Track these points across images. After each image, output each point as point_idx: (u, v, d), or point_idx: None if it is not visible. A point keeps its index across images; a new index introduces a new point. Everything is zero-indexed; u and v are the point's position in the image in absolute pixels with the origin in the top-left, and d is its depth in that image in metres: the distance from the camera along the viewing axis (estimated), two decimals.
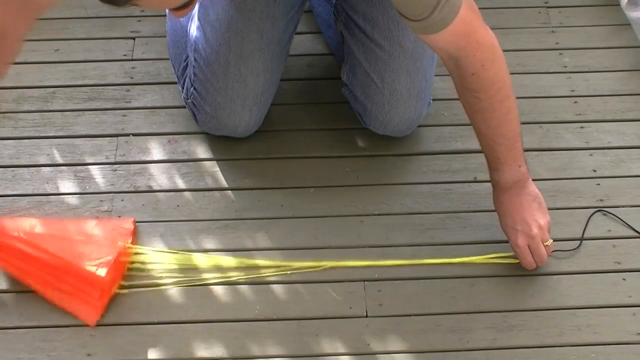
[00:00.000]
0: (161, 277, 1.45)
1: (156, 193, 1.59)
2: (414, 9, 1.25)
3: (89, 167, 1.62)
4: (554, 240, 1.45)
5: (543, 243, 1.43)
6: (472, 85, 1.35)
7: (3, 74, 1.36)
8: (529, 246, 1.43)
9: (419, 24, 1.26)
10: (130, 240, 1.47)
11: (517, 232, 1.42)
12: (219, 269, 1.46)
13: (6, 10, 1.26)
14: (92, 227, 1.47)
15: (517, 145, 1.41)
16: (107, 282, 1.39)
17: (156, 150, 1.66)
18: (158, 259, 1.47)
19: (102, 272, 1.38)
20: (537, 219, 1.42)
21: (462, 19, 1.26)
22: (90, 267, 1.38)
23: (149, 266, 1.46)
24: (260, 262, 1.47)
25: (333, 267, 1.47)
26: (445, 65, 1.37)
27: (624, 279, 1.48)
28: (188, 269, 1.47)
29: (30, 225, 1.44)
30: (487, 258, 1.48)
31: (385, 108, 1.57)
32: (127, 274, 1.45)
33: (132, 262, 1.46)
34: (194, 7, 1.14)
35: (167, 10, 1.66)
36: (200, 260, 1.47)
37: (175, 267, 1.47)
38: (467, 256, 1.49)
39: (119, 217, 1.52)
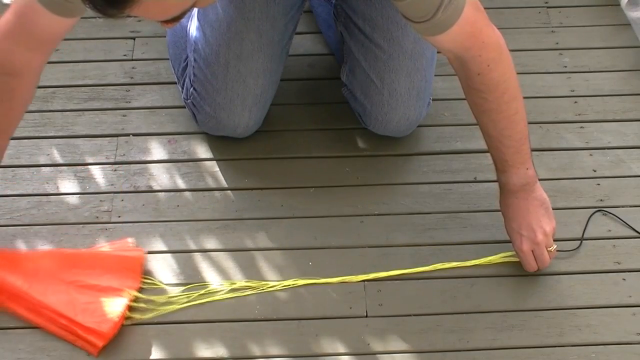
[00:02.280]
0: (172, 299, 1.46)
1: (156, 193, 1.59)
2: (417, 11, 1.24)
3: (89, 167, 1.62)
4: (554, 241, 1.45)
5: (547, 248, 1.43)
6: (478, 86, 1.34)
7: (21, 116, 1.38)
8: (532, 251, 1.43)
9: (423, 25, 1.26)
10: (138, 282, 1.43)
11: (522, 238, 1.42)
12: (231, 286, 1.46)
13: (16, 47, 1.26)
14: (100, 269, 1.43)
15: (525, 147, 1.40)
16: (110, 334, 1.37)
17: (156, 150, 1.66)
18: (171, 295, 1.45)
19: (105, 327, 1.36)
20: (543, 225, 1.42)
21: (466, 19, 1.25)
22: (93, 325, 1.36)
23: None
24: (272, 283, 1.46)
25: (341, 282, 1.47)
26: (452, 66, 1.37)
27: (624, 279, 1.48)
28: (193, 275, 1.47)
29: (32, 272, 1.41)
30: (491, 260, 1.48)
31: (384, 108, 1.57)
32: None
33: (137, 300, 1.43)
34: (190, 15, 1.13)
35: None
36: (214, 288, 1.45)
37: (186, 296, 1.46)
38: (467, 256, 1.49)
39: (129, 250, 1.47)
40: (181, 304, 1.42)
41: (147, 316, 1.40)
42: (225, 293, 1.44)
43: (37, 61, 1.31)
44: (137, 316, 1.40)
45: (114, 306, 1.38)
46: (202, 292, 1.44)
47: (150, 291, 1.43)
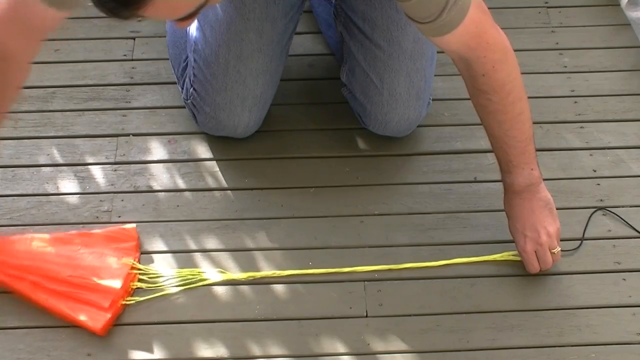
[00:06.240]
0: (164, 282, 1.46)
1: (156, 193, 1.59)
2: (422, 11, 1.24)
3: (89, 167, 1.62)
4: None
5: (550, 250, 1.43)
6: (483, 87, 1.34)
7: (14, 99, 1.36)
8: (536, 252, 1.43)
9: (428, 26, 1.26)
10: (136, 256, 1.47)
11: (526, 238, 1.42)
12: (226, 278, 1.46)
13: (9, 32, 1.26)
14: (98, 242, 1.47)
15: (530, 148, 1.40)
16: (119, 293, 1.40)
17: (156, 150, 1.66)
18: (164, 272, 1.47)
19: (117, 283, 1.40)
20: (546, 226, 1.42)
21: (471, 20, 1.25)
22: (103, 280, 1.40)
23: (153, 277, 1.47)
24: (268, 273, 1.47)
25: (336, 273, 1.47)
26: (457, 67, 1.36)
27: (624, 279, 1.48)
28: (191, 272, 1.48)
29: (37, 245, 1.45)
30: (495, 258, 1.48)
31: (384, 108, 1.57)
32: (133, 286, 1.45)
33: (139, 279, 1.46)
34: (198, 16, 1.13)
35: None
36: (210, 275, 1.46)
37: (180, 277, 1.47)
38: (468, 256, 1.49)
39: (121, 226, 1.51)
40: (177, 281, 1.45)
41: (147, 290, 1.43)
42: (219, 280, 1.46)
43: (29, 48, 1.30)
44: (137, 298, 1.42)
45: (114, 282, 1.41)
46: (196, 275, 1.46)
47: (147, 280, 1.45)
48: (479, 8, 1.26)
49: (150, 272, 1.46)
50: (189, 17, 1.08)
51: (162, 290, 1.44)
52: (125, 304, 1.41)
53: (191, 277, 1.46)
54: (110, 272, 1.42)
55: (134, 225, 1.51)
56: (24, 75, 1.34)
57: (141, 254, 1.49)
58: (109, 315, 1.38)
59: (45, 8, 1.22)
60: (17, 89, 1.36)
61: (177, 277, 1.46)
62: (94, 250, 1.45)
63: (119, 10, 0.98)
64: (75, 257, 1.43)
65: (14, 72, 1.31)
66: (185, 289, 1.45)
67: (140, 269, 1.45)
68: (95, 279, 1.40)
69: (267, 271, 1.47)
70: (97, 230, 1.49)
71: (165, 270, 1.47)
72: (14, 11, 1.24)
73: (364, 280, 1.47)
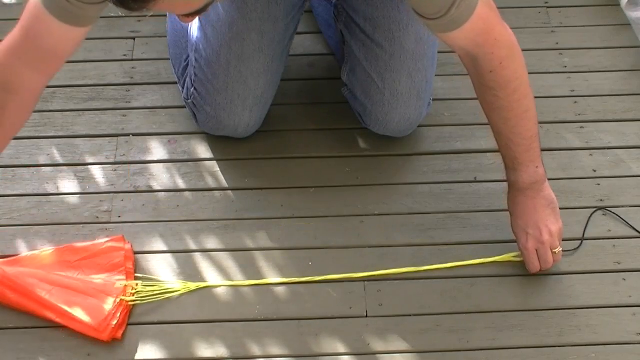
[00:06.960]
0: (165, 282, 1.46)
1: (156, 193, 1.59)
2: (431, 7, 1.24)
3: (89, 167, 1.62)
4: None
5: (552, 250, 1.43)
6: (490, 84, 1.34)
7: (10, 135, 1.34)
8: (537, 251, 1.43)
9: (436, 22, 1.26)
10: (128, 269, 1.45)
11: (528, 236, 1.42)
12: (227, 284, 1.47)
13: (24, 62, 1.24)
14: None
15: (535, 145, 1.40)
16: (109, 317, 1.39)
17: (156, 150, 1.66)
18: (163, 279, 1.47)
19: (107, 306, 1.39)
20: (548, 225, 1.42)
21: (479, 16, 1.25)
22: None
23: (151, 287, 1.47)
24: (272, 280, 1.47)
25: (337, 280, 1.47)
26: (463, 63, 1.36)
27: (624, 279, 1.48)
28: (191, 273, 1.47)
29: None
30: (495, 259, 1.48)
31: (385, 108, 1.57)
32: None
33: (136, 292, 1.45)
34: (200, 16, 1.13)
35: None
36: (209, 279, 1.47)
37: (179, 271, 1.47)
38: (467, 256, 1.49)
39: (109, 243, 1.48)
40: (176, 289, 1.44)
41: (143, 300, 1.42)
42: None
43: (38, 82, 1.29)
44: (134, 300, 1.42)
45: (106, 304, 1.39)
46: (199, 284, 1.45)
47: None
48: (486, 5, 1.26)
49: (148, 283, 1.45)
50: (197, 13, 1.08)
51: (163, 293, 1.44)
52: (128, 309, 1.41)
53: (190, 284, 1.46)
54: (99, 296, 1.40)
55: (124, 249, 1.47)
56: (27, 111, 1.32)
57: (141, 253, 1.49)
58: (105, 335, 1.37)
59: (59, 26, 1.21)
60: (15, 125, 1.33)
61: (177, 284, 1.46)
62: (80, 275, 1.43)
63: (131, 2, 0.98)
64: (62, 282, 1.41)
65: (16, 106, 1.28)
66: (186, 290, 1.45)
67: (136, 285, 1.44)
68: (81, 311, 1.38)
69: (267, 271, 1.47)
70: (84, 245, 1.47)
71: (164, 276, 1.47)
72: (26, 39, 1.23)
73: (364, 280, 1.47)
